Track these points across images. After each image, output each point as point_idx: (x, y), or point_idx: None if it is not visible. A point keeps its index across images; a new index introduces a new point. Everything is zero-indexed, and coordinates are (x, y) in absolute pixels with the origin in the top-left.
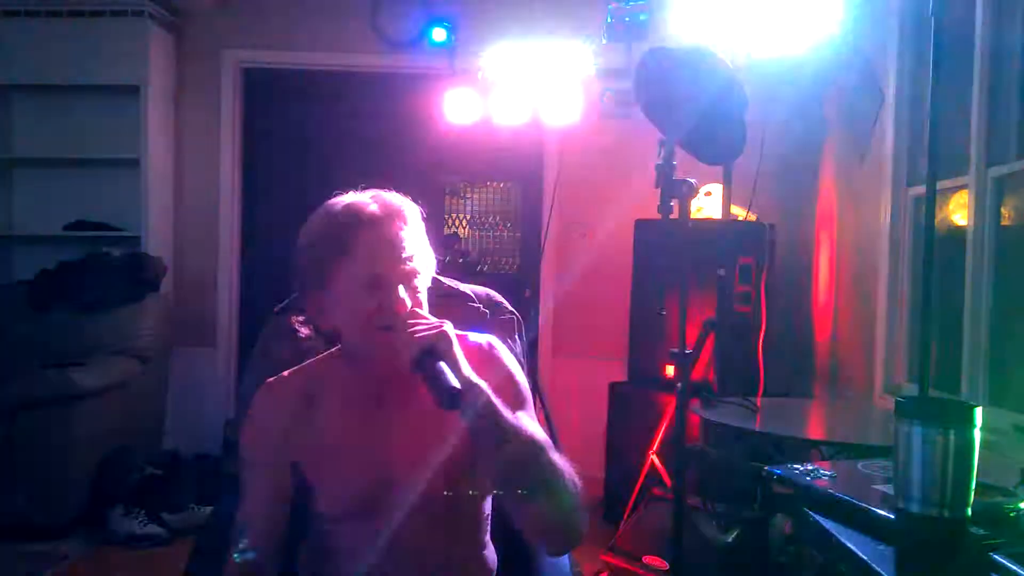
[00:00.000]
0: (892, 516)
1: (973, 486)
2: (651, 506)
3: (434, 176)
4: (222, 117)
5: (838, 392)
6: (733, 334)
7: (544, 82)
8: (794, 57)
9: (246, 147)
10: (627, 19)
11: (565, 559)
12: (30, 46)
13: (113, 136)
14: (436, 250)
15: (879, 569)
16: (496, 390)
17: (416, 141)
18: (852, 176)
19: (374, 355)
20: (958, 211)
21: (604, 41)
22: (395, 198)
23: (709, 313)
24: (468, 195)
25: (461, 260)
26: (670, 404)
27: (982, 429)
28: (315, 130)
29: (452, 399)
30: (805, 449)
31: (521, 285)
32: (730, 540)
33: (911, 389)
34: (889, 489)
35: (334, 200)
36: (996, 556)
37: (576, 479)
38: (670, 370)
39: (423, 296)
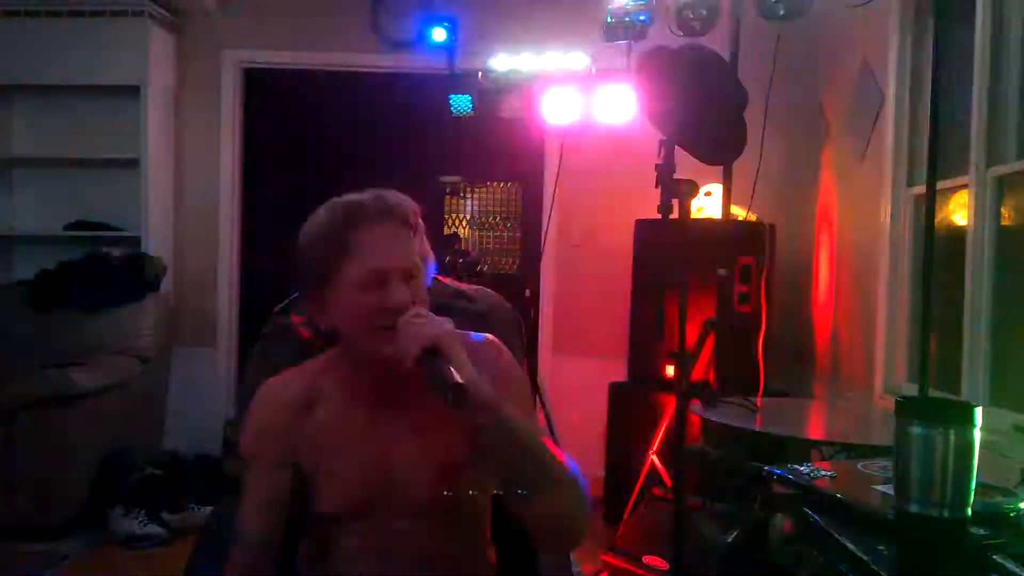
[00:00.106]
0: (892, 516)
1: (973, 486)
2: (651, 506)
3: (434, 176)
4: (222, 117)
5: (838, 392)
6: (733, 334)
7: (544, 82)
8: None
9: (246, 147)
10: (627, 19)
11: (565, 559)
12: (30, 46)
13: (113, 136)
14: (436, 250)
15: (879, 569)
16: (497, 389)
17: (416, 141)
18: (852, 176)
19: (375, 354)
20: (958, 211)
21: (604, 41)
22: (395, 196)
23: (709, 313)
24: (468, 195)
25: (461, 260)
26: (670, 404)
27: (982, 429)
28: (315, 130)
29: (457, 395)
30: (805, 449)
31: (521, 285)
32: (730, 540)
33: (911, 389)
34: (889, 489)
35: (334, 199)
36: (996, 556)
37: (579, 477)
38: (670, 370)
39: (423, 295)
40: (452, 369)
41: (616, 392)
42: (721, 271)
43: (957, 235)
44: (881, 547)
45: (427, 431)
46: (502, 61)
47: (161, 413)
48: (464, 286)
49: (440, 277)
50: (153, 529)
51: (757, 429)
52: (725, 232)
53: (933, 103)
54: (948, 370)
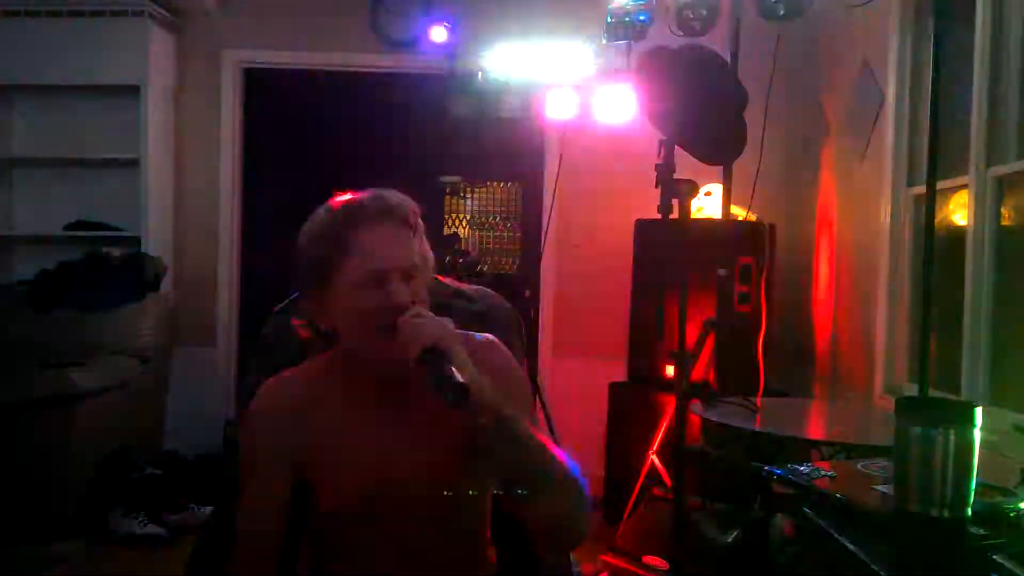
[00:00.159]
0: (892, 516)
1: (973, 486)
2: (651, 506)
3: (434, 176)
4: (222, 117)
5: (838, 392)
6: (733, 334)
7: (544, 82)
8: None
9: (246, 147)
10: (627, 19)
11: (565, 559)
12: (30, 46)
13: (113, 136)
14: (436, 250)
15: (879, 569)
16: (497, 389)
17: (416, 141)
18: (852, 176)
19: (376, 354)
20: (958, 211)
21: (604, 41)
22: (394, 196)
23: (709, 313)
24: (468, 195)
25: (461, 260)
26: (670, 404)
27: (982, 429)
28: (315, 130)
29: (458, 395)
30: (805, 449)
31: (521, 285)
32: (730, 540)
33: (911, 389)
34: (889, 489)
35: (332, 200)
36: (996, 556)
37: (579, 478)
38: (670, 370)
39: (423, 294)
40: (453, 369)
41: (616, 392)
42: (721, 271)
43: (957, 235)
44: (881, 547)
45: (427, 431)
46: (502, 61)
47: (161, 413)
48: (464, 286)
49: (440, 277)
50: (153, 529)
51: (757, 429)
52: (725, 232)
53: (933, 103)
54: (948, 370)
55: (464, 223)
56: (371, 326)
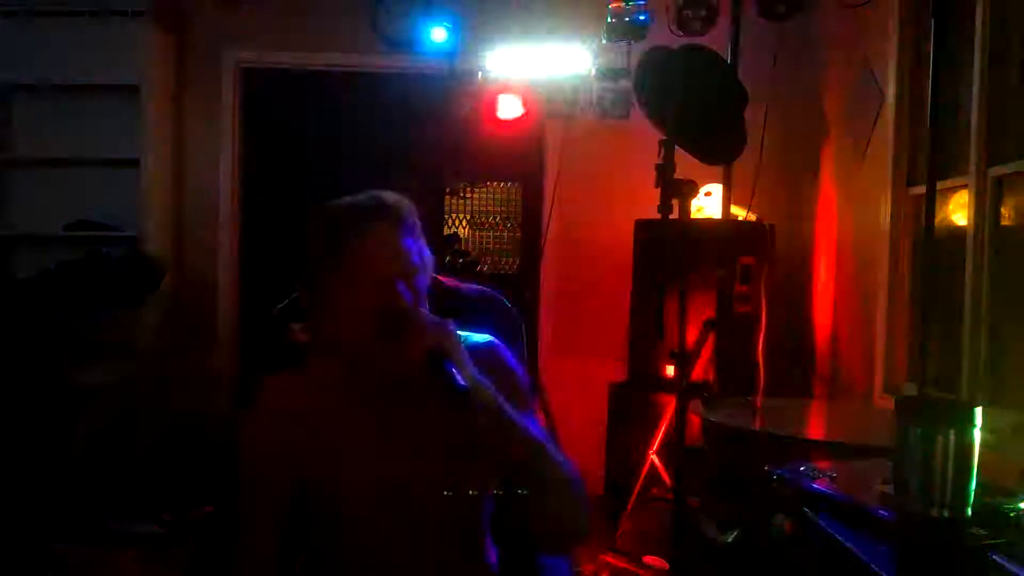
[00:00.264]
0: (892, 516)
1: (973, 486)
2: (651, 506)
3: (434, 176)
4: (222, 117)
5: (838, 392)
6: (733, 334)
7: (544, 82)
8: None
9: (246, 147)
10: (627, 19)
11: (565, 559)
12: (30, 46)
13: (113, 136)
14: (436, 250)
15: (879, 569)
16: (498, 390)
17: (416, 141)
18: (852, 176)
19: (376, 357)
20: (958, 211)
21: (604, 41)
22: (390, 197)
23: (709, 313)
24: (468, 195)
25: (461, 260)
26: (670, 404)
27: (982, 429)
28: (315, 130)
29: (461, 399)
30: (805, 449)
31: (521, 285)
32: (730, 540)
33: (911, 389)
34: (889, 489)
35: (329, 203)
36: (996, 556)
37: (579, 479)
38: (670, 370)
39: (423, 295)
40: (455, 372)
41: (616, 392)
42: (721, 271)
43: (957, 235)
44: (881, 547)
45: (428, 432)
46: (502, 61)
47: (161, 413)
48: (464, 286)
49: (440, 277)
50: (153, 529)
51: (757, 429)
52: (725, 232)
53: (933, 103)
54: (948, 370)
55: (464, 223)
56: (371, 329)
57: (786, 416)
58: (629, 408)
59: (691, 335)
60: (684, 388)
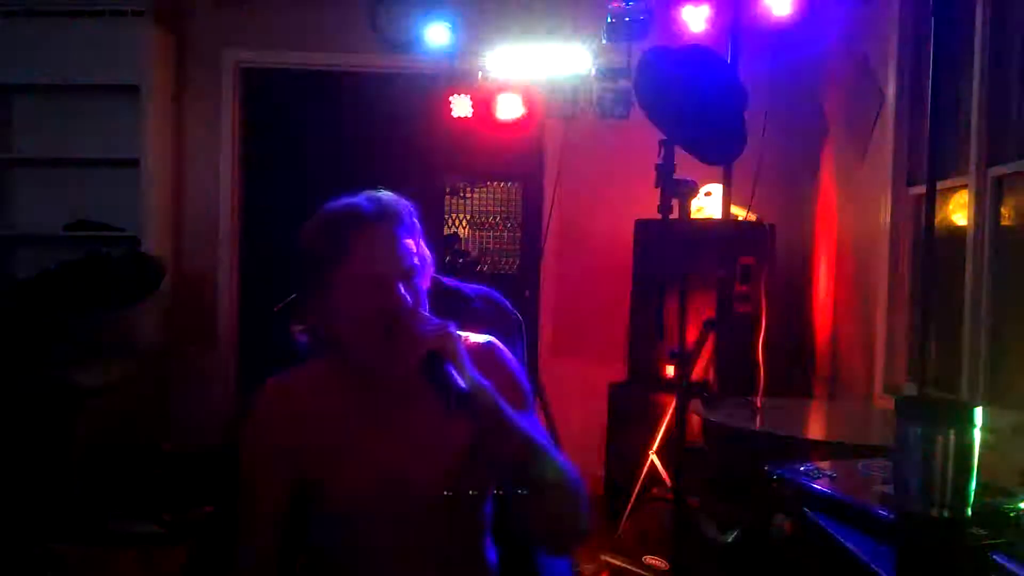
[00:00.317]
0: (892, 516)
1: (973, 486)
2: (651, 506)
3: (434, 176)
4: (222, 117)
5: (838, 392)
6: (733, 334)
7: (544, 82)
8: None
9: (246, 147)
10: (627, 19)
11: (565, 559)
12: (30, 46)
13: (113, 136)
14: (436, 250)
15: (879, 569)
16: (498, 391)
17: (416, 141)
18: (852, 176)
19: (376, 358)
20: (958, 211)
21: (604, 41)
22: (389, 197)
23: (709, 313)
24: (468, 195)
25: (461, 260)
26: (670, 404)
27: (982, 429)
28: (315, 130)
29: (460, 401)
30: (805, 449)
31: (521, 285)
32: (730, 540)
33: (911, 389)
34: (889, 489)
35: (327, 204)
36: (996, 556)
37: (579, 480)
38: (670, 370)
39: (423, 296)
40: (455, 374)
41: (616, 392)
42: (721, 271)
43: (957, 235)
44: (881, 547)
45: (427, 432)
46: (502, 61)
47: (161, 413)
48: (464, 286)
49: (440, 277)
50: (153, 529)
51: (757, 429)
52: (725, 232)
53: (933, 103)
54: (948, 370)
55: (464, 223)
56: (371, 330)
57: (786, 416)
58: (629, 408)
59: (691, 335)
60: (684, 388)
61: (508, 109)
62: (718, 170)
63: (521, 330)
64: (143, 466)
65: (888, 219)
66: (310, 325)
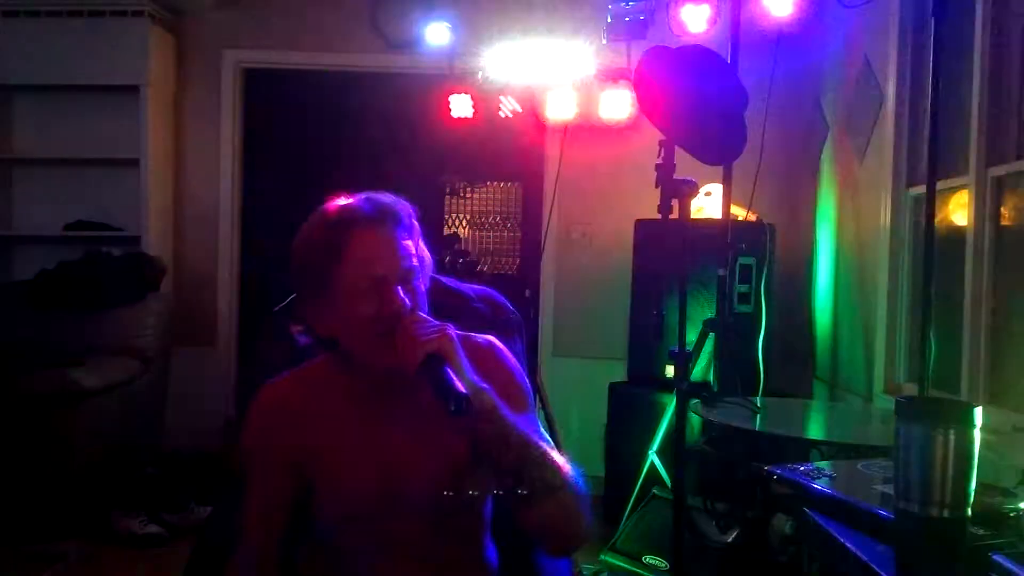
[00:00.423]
0: (892, 516)
1: (973, 486)
2: (651, 506)
3: (434, 176)
4: (222, 117)
5: (838, 392)
6: (733, 334)
7: (544, 82)
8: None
9: (246, 147)
10: (627, 19)
11: (565, 559)
12: (30, 46)
13: (113, 136)
14: (436, 250)
15: (879, 569)
16: (497, 391)
17: (416, 141)
18: (852, 176)
19: (375, 360)
20: (958, 211)
21: (604, 41)
22: (388, 198)
23: (709, 313)
24: (468, 195)
25: (461, 260)
26: (670, 404)
27: (982, 429)
28: (315, 130)
29: (460, 405)
30: (805, 449)
31: (521, 285)
32: (730, 540)
33: (911, 389)
34: (889, 489)
35: (326, 205)
36: (996, 556)
37: (579, 481)
38: (670, 370)
39: (422, 297)
40: (453, 377)
41: (616, 392)
42: (721, 271)
43: (957, 235)
44: (881, 547)
45: (427, 432)
46: (502, 61)
47: (161, 413)
48: (464, 286)
49: (440, 277)
50: (153, 529)
51: (757, 429)
52: (725, 232)
53: (933, 103)
54: (948, 370)
55: (464, 223)
56: (370, 333)
57: (786, 416)
58: (629, 408)
59: (691, 335)
60: (684, 388)
61: (509, 109)
62: (718, 170)
63: (521, 330)
64: (143, 466)
65: (888, 219)
66: (309, 326)
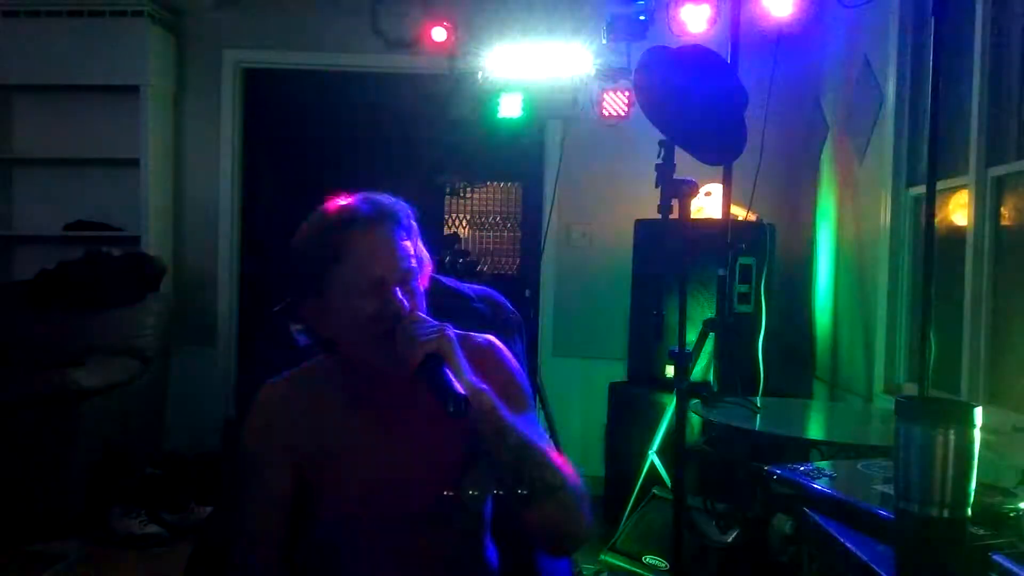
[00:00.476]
0: (892, 516)
1: (973, 486)
2: (651, 506)
3: (434, 176)
4: (222, 117)
5: (838, 392)
6: (733, 334)
7: (544, 82)
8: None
9: (246, 147)
10: (627, 19)
11: (565, 559)
12: (30, 46)
13: (113, 136)
14: (436, 250)
15: (879, 569)
16: (497, 391)
17: (416, 141)
18: (852, 176)
19: (375, 361)
20: (958, 211)
21: (604, 41)
22: (386, 199)
23: (709, 313)
24: (468, 195)
25: (461, 260)
26: (670, 404)
27: (982, 429)
28: (315, 130)
29: (458, 406)
30: (805, 449)
31: (521, 285)
32: (730, 540)
33: (911, 389)
34: (889, 489)
35: (325, 205)
36: (996, 556)
37: (579, 481)
38: (670, 370)
39: (421, 297)
40: (452, 378)
41: (616, 392)
42: (721, 271)
43: (957, 235)
44: (881, 547)
45: (427, 432)
46: (502, 61)
47: (161, 413)
48: (464, 286)
49: (440, 277)
50: (153, 529)
51: (757, 429)
52: (725, 232)
53: (933, 103)
54: (948, 370)
55: (464, 223)
56: (369, 333)
57: (786, 416)
58: (629, 408)
59: (691, 335)
60: (684, 388)
61: (508, 109)
62: (718, 170)
63: (521, 330)
64: (143, 466)
65: (888, 219)
66: (309, 326)
